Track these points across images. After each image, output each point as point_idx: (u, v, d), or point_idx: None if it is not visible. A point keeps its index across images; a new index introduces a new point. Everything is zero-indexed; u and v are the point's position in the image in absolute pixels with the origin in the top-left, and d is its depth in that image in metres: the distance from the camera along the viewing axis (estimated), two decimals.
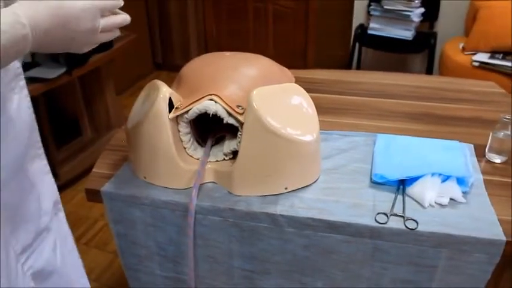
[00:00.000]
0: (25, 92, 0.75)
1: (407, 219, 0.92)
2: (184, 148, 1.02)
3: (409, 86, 1.54)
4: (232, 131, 1.00)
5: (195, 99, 0.97)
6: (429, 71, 3.04)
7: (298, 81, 1.21)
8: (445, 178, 1.00)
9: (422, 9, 2.95)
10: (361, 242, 0.94)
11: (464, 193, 0.98)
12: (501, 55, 2.60)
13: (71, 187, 2.23)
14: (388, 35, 3.01)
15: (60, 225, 0.87)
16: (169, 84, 1.04)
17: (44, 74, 1.93)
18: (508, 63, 2.52)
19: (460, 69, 2.68)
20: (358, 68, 3.32)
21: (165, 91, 0.96)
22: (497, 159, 1.11)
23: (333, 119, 1.32)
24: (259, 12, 3.51)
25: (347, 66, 3.29)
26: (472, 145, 1.16)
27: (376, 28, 3.04)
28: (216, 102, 0.96)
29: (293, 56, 3.55)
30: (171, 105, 0.97)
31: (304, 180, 1.02)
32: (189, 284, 1.03)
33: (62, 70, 2.04)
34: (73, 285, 0.90)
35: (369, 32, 3.07)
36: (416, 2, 2.89)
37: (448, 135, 1.20)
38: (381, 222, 0.92)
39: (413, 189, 0.99)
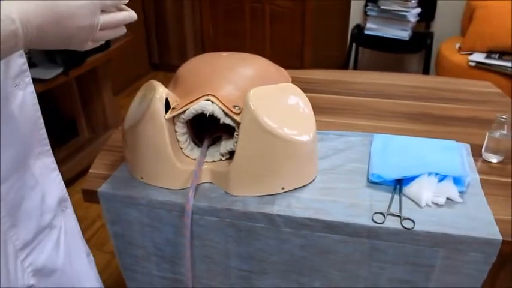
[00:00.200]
0: (30, 89, 0.75)
1: (404, 219, 0.92)
2: (181, 148, 1.02)
3: (406, 86, 1.54)
4: (229, 131, 1.00)
5: (191, 99, 0.97)
6: (426, 71, 3.05)
7: (294, 81, 1.21)
8: (442, 178, 1.00)
9: (418, 9, 2.96)
10: (358, 241, 0.94)
11: (461, 193, 0.98)
12: (497, 55, 2.61)
13: (67, 187, 2.20)
14: (384, 35, 3.02)
15: (68, 223, 0.87)
16: (166, 84, 1.04)
17: (41, 75, 1.93)
18: (504, 63, 2.53)
19: (456, 69, 2.68)
20: (355, 68, 3.32)
21: (161, 91, 0.96)
22: (494, 159, 1.11)
23: (330, 119, 1.32)
24: (256, 13, 3.51)
25: (344, 66, 3.30)
26: (469, 145, 1.16)
27: (373, 28, 3.05)
28: (212, 102, 0.96)
29: (290, 56, 3.56)
30: (167, 106, 0.97)
31: (301, 180, 1.02)
32: (186, 284, 1.03)
33: (59, 70, 2.04)
34: (81, 285, 0.90)
35: (366, 32, 3.08)
36: (412, 2, 2.90)
37: (445, 135, 1.21)
38: (378, 222, 0.92)
39: (410, 189, 0.99)
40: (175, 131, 1.00)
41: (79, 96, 2.56)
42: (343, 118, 1.33)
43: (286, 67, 1.37)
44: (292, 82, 1.18)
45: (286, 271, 1.03)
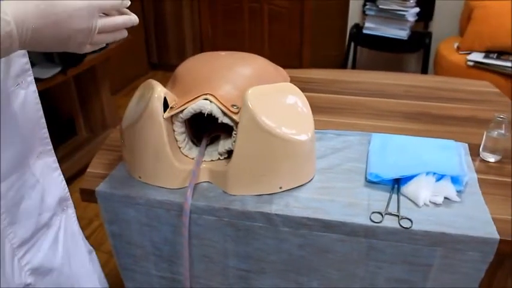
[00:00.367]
0: (32, 88, 0.75)
1: (402, 218, 0.92)
2: (179, 148, 1.02)
3: (404, 86, 1.54)
4: (227, 130, 1.00)
5: (189, 98, 0.97)
6: (424, 70, 3.05)
7: (293, 80, 1.21)
8: (440, 177, 1.00)
9: (417, 9, 2.96)
10: (356, 241, 0.94)
11: (459, 192, 0.98)
12: (495, 55, 2.61)
13: None
14: (383, 35, 3.02)
15: (68, 222, 0.87)
16: (165, 84, 1.04)
17: (39, 74, 1.93)
18: (503, 63, 2.53)
19: (454, 68, 2.69)
20: (354, 67, 3.33)
21: (159, 91, 0.96)
22: (491, 158, 1.12)
23: (328, 118, 1.32)
24: (255, 13, 3.51)
25: (342, 65, 3.30)
26: (467, 144, 1.17)
27: (372, 28, 3.05)
28: (211, 101, 0.96)
29: (288, 56, 3.56)
30: (165, 105, 0.97)
31: (299, 179, 1.02)
32: (184, 283, 1.03)
33: (57, 70, 2.04)
34: (80, 285, 0.90)
35: (364, 31, 3.08)
36: (411, 1, 2.90)
37: (443, 134, 1.21)
38: (376, 221, 0.92)
39: (408, 188, 0.99)
40: (174, 130, 1.00)
41: (77, 95, 2.56)
42: (341, 117, 1.33)
43: (284, 67, 1.37)
44: (291, 81, 1.18)
45: (284, 270, 1.03)
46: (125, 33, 0.69)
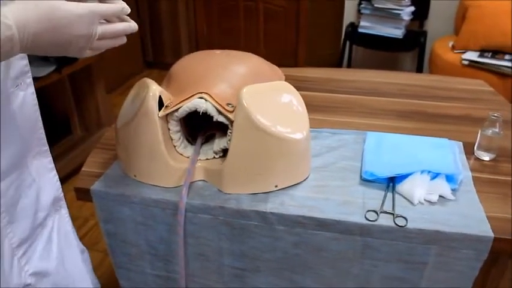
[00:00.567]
0: (31, 90, 0.77)
1: (397, 217, 0.92)
2: (174, 146, 1.02)
3: (399, 84, 1.54)
4: (223, 129, 1.00)
5: (185, 97, 0.97)
6: (419, 69, 3.06)
7: (288, 79, 1.21)
8: (435, 175, 1.00)
9: (412, 8, 2.97)
10: (351, 239, 0.94)
11: (453, 190, 0.98)
12: (490, 54, 2.63)
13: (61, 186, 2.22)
14: (378, 34, 3.03)
15: (62, 222, 0.88)
16: (160, 82, 1.04)
17: (34, 73, 1.88)
18: (497, 62, 2.54)
19: (449, 67, 2.70)
20: (349, 66, 3.33)
21: (154, 89, 0.96)
22: (486, 157, 1.12)
23: (323, 117, 1.32)
24: (250, 11, 3.51)
25: (338, 64, 3.31)
26: (461, 143, 1.17)
27: (367, 26, 3.05)
28: (206, 100, 0.96)
29: (284, 55, 3.56)
30: (161, 104, 0.97)
31: (294, 178, 1.02)
32: (179, 282, 1.03)
33: (52, 68, 2.03)
34: (76, 285, 0.90)
35: (360, 30, 3.08)
36: (406, 0, 2.91)
37: (438, 133, 1.21)
38: (371, 219, 0.92)
39: (402, 187, 0.99)
40: (169, 129, 1.00)
41: (72, 94, 2.55)
42: (336, 116, 1.33)
43: (280, 65, 1.37)
44: (286, 80, 1.18)
45: (279, 269, 1.03)
46: (124, 40, 0.71)
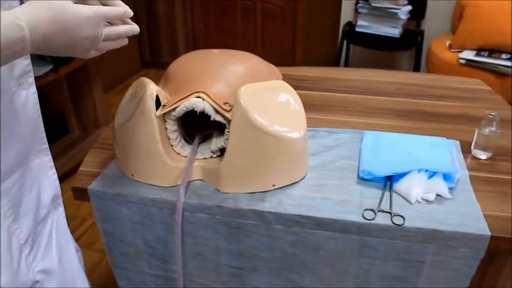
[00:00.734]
0: (33, 89, 0.78)
1: (394, 215, 0.92)
2: (172, 146, 1.02)
3: (397, 83, 1.55)
4: (220, 128, 1.00)
5: (182, 96, 0.97)
6: (416, 68, 3.06)
7: (285, 78, 1.21)
8: (432, 174, 1.00)
9: (409, 7, 2.98)
10: (348, 238, 0.94)
11: (451, 189, 0.99)
12: (487, 53, 2.63)
13: None
14: (375, 33, 3.03)
15: (59, 220, 0.89)
16: (157, 82, 1.04)
17: None
18: (494, 61, 2.55)
19: (446, 66, 2.70)
20: (346, 65, 3.33)
21: (152, 88, 0.96)
22: (483, 156, 1.12)
23: (321, 116, 1.32)
24: (248, 10, 3.51)
25: (335, 63, 3.31)
26: (458, 141, 1.17)
27: (364, 26, 3.06)
28: (203, 99, 0.96)
29: (281, 54, 3.56)
30: (158, 103, 0.97)
31: (292, 177, 1.02)
32: (177, 282, 1.03)
33: (49, 67, 2.03)
34: (76, 284, 0.90)
35: (357, 29, 3.08)
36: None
37: (435, 131, 1.21)
38: (368, 218, 0.92)
39: (400, 186, 0.99)
40: (166, 128, 1.00)
41: (69, 93, 2.55)
42: (333, 115, 1.33)
43: (277, 64, 1.37)
44: (283, 79, 1.18)
45: (277, 268, 1.03)
46: (126, 41, 0.74)
